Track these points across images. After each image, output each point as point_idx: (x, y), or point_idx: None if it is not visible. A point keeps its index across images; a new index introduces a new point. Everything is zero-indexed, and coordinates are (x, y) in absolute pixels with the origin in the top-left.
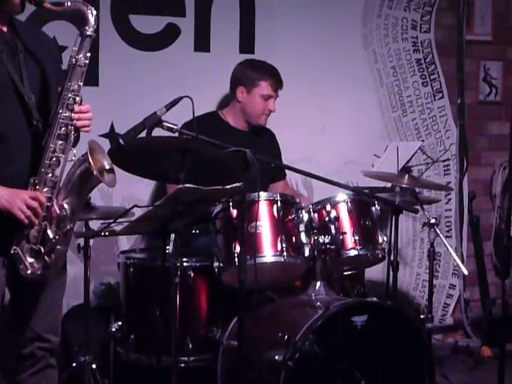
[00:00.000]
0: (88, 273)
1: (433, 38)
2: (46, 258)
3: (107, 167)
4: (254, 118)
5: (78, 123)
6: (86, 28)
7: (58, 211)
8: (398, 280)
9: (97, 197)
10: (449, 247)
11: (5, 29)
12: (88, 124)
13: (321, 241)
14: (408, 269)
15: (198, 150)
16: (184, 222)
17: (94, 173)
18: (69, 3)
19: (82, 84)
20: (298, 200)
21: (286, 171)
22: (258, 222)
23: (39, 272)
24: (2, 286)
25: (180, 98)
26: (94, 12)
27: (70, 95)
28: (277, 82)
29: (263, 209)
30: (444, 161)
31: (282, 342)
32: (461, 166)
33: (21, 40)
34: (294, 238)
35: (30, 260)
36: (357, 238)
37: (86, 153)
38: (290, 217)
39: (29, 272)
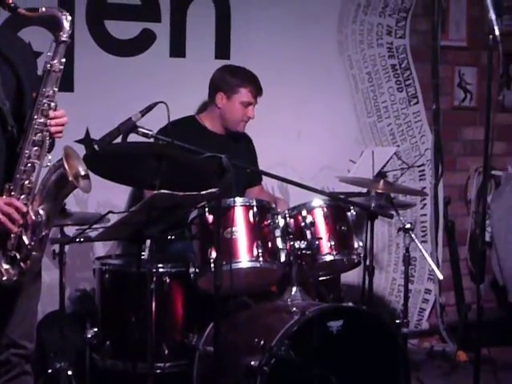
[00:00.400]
0: (63, 279)
1: (408, 43)
2: (21, 264)
3: (82, 173)
4: (232, 125)
5: (53, 129)
6: (61, 34)
7: (34, 217)
8: (374, 285)
9: (72, 203)
10: (424, 252)
11: None
12: (61, 130)
13: (297, 246)
14: (384, 274)
15: (173, 155)
16: (160, 228)
17: (70, 178)
18: (43, 9)
19: (56, 90)
20: (273, 205)
21: (262, 176)
22: (233, 228)
23: (14, 278)
24: None
25: (155, 104)
26: (69, 18)
27: (44, 101)
28: (257, 89)
29: (239, 214)
30: (419, 166)
31: (257, 347)
32: (436, 171)
33: None
34: (269, 243)
35: (6, 266)
36: (332, 243)
37: (62, 159)
38: (265, 222)
39: (4, 278)
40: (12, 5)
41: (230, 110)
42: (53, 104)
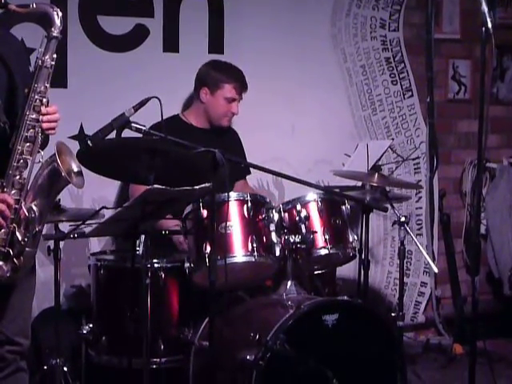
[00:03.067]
0: (58, 275)
1: (402, 36)
2: (14, 260)
3: (75, 169)
4: (216, 120)
5: (45, 125)
6: (52, 29)
7: (27, 213)
8: (370, 278)
9: (67, 199)
10: (419, 245)
11: None
12: (54, 126)
13: (291, 240)
14: (379, 267)
15: (166, 150)
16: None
17: (63, 174)
18: (34, 5)
19: (48, 85)
20: (268, 200)
21: (257, 172)
22: (228, 223)
23: (8, 275)
24: None
25: (148, 99)
26: (60, 13)
27: (36, 97)
28: (241, 86)
29: (233, 209)
30: (414, 159)
31: (253, 341)
32: (431, 164)
33: None
34: (264, 237)
35: None
36: (327, 236)
37: (54, 154)
38: (260, 217)
39: None
40: (2, 1)
41: (213, 105)
42: (45, 100)
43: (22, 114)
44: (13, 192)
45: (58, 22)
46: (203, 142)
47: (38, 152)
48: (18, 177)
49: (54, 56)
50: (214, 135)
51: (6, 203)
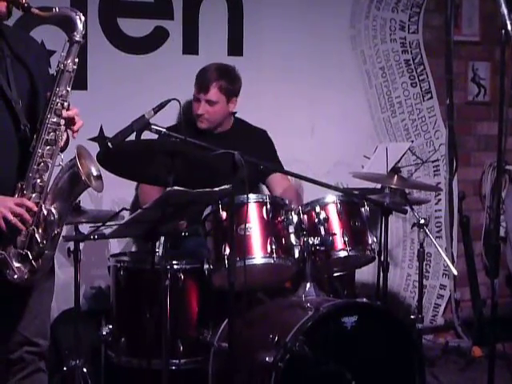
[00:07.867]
0: (78, 277)
1: (421, 38)
2: (33, 262)
3: (95, 173)
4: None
5: (75, 128)
6: (75, 34)
7: (46, 216)
8: (389, 281)
9: (87, 200)
10: (438, 247)
11: None
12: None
13: (310, 242)
14: (398, 269)
15: (186, 152)
16: (174, 225)
17: (82, 178)
18: (57, 9)
19: (70, 89)
20: (287, 201)
21: None
22: (247, 224)
23: (26, 276)
24: None
25: (168, 101)
26: (83, 18)
27: (58, 100)
28: (199, 85)
29: (253, 211)
30: (433, 161)
31: (272, 343)
32: (450, 166)
33: (8, 44)
34: (283, 239)
35: (17, 265)
36: (346, 239)
37: (74, 158)
38: (279, 218)
39: (16, 277)
40: (25, 4)
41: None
42: (66, 103)
43: (43, 117)
44: (33, 195)
45: (80, 26)
46: (218, 144)
47: (58, 155)
48: (38, 180)
49: (76, 60)
50: (231, 137)
51: (24, 207)
